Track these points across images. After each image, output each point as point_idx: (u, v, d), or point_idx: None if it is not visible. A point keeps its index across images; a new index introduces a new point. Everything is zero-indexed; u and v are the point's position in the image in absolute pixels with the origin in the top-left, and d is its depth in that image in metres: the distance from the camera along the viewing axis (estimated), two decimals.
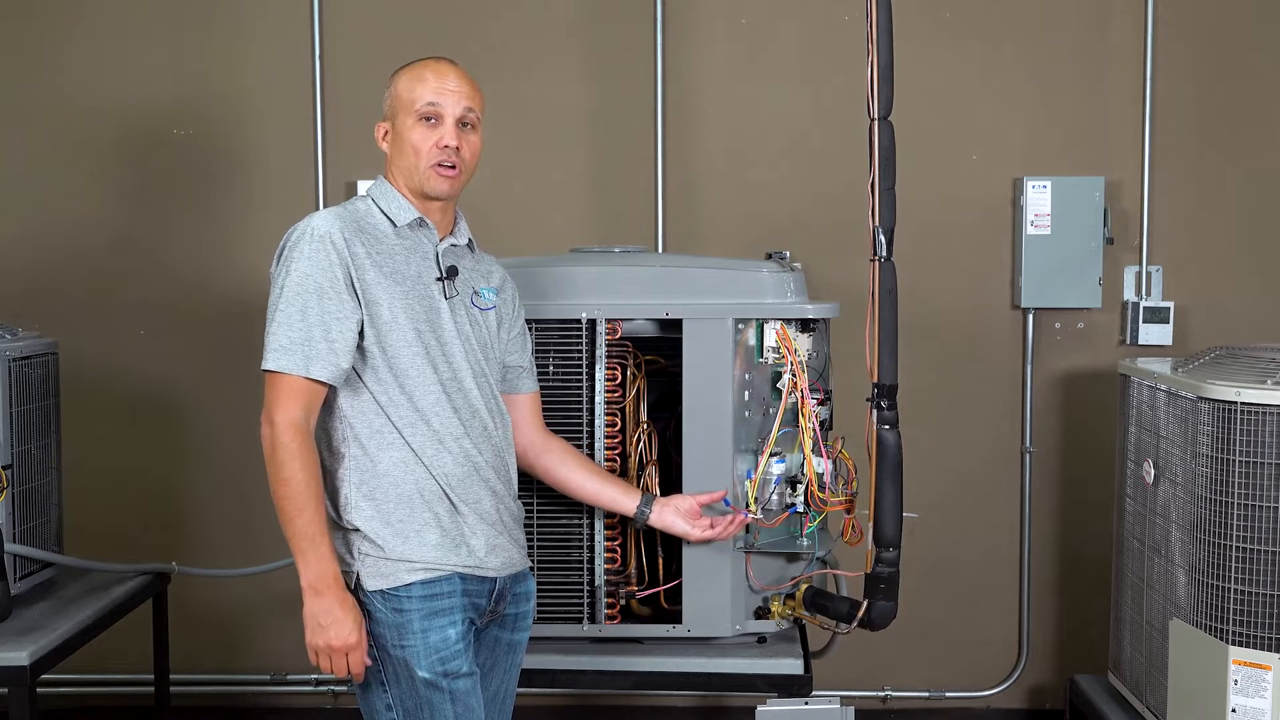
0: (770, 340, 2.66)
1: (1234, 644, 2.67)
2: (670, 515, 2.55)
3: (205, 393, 4.09)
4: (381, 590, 2.13)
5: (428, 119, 2.21)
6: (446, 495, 2.17)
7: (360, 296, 2.12)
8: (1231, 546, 2.68)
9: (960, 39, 4.00)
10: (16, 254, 4.06)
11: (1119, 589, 3.28)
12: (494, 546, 2.22)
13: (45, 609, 2.95)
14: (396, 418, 2.14)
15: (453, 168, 2.22)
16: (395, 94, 2.24)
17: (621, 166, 4.04)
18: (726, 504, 2.58)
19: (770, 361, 2.68)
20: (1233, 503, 2.67)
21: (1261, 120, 3.98)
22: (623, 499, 2.54)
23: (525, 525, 2.41)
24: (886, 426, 2.49)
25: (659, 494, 2.62)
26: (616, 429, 2.68)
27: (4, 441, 2.87)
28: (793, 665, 2.66)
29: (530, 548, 2.49)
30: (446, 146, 2.20)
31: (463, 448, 2.18)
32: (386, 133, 2.27)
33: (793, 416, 2.65)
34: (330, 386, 2.12)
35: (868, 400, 2.52)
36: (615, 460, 2.68)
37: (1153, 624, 3.00)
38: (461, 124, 2.23)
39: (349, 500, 2.15)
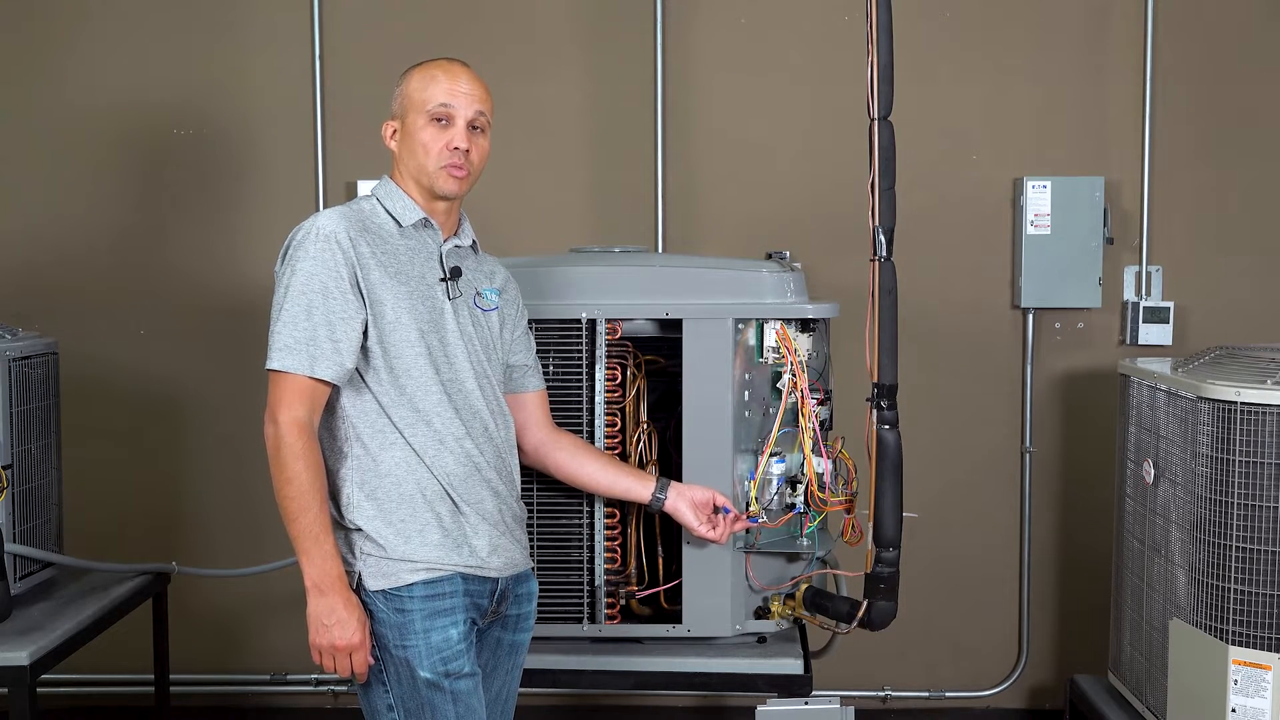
0: (770, 340, 2.66)
1: (1234, 644, 2.68)
2: (683, 504, 2.54)
3: (205, 392, 4.09)
4: (383, 590, 2.13)
5: (439, 120, 2.20)
6: (448, 495, 2.17)
7: (365, 296, 2.12)
8: (1231, 546, 2.68)
9: (960, 38, 4.00)
10: (17, 253, 4.07)
11: (1119, 589, 3.28)
12: (496, 547, 2.22)
13: (45, 609, 2.94)
14: (398, 418, 2.14)
15: (461, 169, 2.22)
16: (406, 93, 2.24)
17: (621, 166, 4.04)
18: (725, 511, 2.58)
19: (770, 361, 2.68)
20: (1233, 503, 2.67)
21: (1261, 120, 3.98)
22: (637, 487, 2.54)
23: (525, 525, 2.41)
24: (886, 426, 2.49)
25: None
26: (616, 429, 2.68)
27: (4, 441, 2.87)
28: (793, 665, 2.66)
29: (530, 548, 2.49)
30: (456, 148, 2.20)
31: (464, 448, 2.18)
32: (395, 131, 2.26)
33: (793, 416, 2.65)
34: (334, 386, 2.12)
35: (868, 400, 2.52)
36: None
37: (1153, 624, 3.00)
38: (472, 127, 2.23)
39: (351, 500, 2.15)
